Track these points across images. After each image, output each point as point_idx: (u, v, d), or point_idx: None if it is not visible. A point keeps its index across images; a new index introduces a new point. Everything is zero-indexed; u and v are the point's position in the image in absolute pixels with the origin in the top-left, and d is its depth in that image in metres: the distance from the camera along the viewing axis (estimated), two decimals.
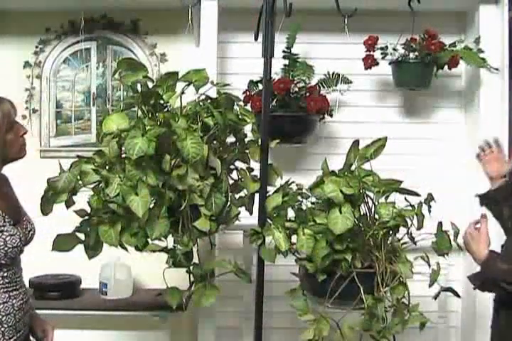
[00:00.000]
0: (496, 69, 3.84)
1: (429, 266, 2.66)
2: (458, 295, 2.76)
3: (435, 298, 2.73)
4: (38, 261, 4.08)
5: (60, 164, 2.58)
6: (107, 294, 4.02)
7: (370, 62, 3.73)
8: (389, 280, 2.60)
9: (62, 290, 4.02)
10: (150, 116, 2.58)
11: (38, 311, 3.71)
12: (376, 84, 4.13)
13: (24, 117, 4.28)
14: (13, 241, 2.09)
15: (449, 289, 2.74)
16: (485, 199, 2.93)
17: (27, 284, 3.92)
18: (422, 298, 2.77)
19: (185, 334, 4.29)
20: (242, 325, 3.99)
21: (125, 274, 4.09)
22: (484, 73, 3.89)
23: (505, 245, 2.67)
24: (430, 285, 2.64)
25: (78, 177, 2.55)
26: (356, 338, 2.67)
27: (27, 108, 4.33)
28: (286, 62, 3.79)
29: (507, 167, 2.95)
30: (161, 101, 2.61)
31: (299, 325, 2.81)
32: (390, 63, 3.81)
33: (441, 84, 4.05)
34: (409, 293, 2.65)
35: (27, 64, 4.33)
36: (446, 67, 3.76)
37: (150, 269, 4.17)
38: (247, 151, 2.83)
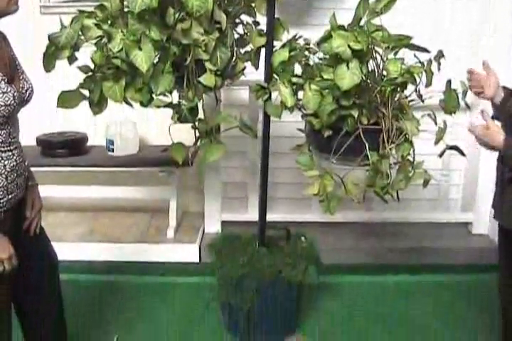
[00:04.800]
0: None
1: (436, 124, 2.65)
2: (463, 154, 2.76)
3: (440, 155, 2.73)
4: (46, 119, 4.12)
5: (60, 19, 2.51)
6: (113, 151, 4.06)
7: None
8: (395, 138, 2.60)
9: (69, 147, 4.07)
10: None
11: (45, 168, 3.81)
12: None
13: None
14: (6, 98, 2.05)
15: (454, 147, 2.74)
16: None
17: (34, 142, 4.00)
18: (427, 156, 2.79)
19: (191, 189, 4.39)
20: (247, 180, 4.06)
21: (131, 131, 4.11)
22: None
23: None
24: (436, 143, 2.64)
25: (80, 33, 2.49)
26: (360, 194, 2.71)
27: None
28: None
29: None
30: None
31: (304, 180, 2.85)
32: None
33: None
34: (414, 151, 2.66)
35: None
36: None
37: (156, 126, 4.22)
38: (253, 4, 2.74)
